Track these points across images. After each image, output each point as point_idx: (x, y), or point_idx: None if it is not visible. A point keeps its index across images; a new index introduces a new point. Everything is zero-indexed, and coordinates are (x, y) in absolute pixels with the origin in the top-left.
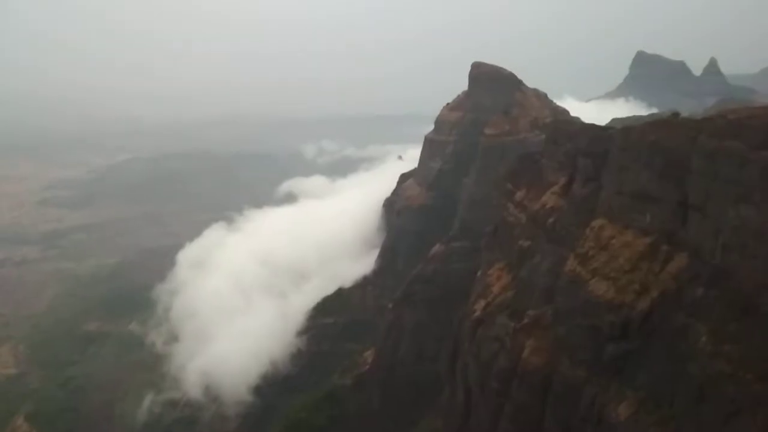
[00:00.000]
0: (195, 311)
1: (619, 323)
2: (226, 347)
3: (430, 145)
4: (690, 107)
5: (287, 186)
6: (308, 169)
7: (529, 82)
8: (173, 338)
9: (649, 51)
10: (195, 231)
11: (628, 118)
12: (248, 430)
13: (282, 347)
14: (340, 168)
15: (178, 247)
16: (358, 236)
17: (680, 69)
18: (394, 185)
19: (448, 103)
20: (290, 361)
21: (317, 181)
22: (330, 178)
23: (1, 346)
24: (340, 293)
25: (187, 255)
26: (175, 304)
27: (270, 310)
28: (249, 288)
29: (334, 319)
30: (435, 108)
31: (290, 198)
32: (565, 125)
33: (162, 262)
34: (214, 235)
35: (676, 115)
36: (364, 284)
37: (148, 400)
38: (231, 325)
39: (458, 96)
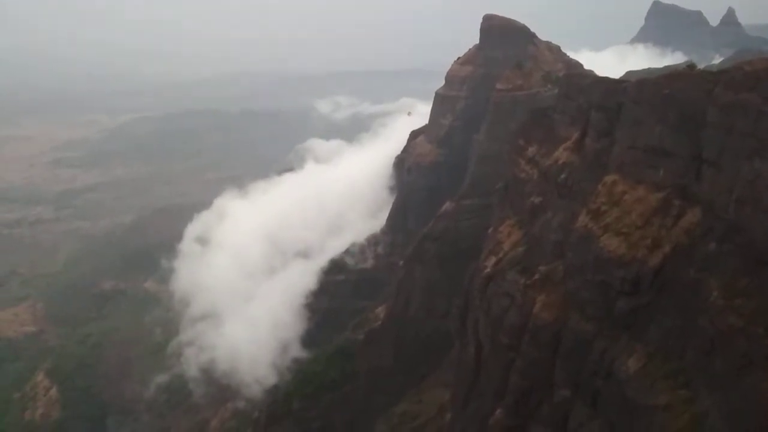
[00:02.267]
0: (204, 289)
1: (630, 279)
2: (238, 328)
3: (440, 101)
4: (706, 58)
5: (300, 148)
6: (320, 126)
7: (543, 32)
8: (181, 320)
9: (665, 0)
10: (205, 190)
11: (642, 70)
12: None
13: (292, 321)
14: (354, 125)
15: (190, 206)
16: (370, 197)
17: (697, 19)
18: (405, 142)
19: (458, 58)
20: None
21: (331, 143)
22: (342, 138)
23: (19, 304)
24: (351, 251)
25: (195, 228)
26: (185, 281)
27: (279, 284)
28: (258, 263)
29: (345, 276)
30: (446, 60)
31: (304, 160)
32: (578, 79)
33: (175, 221)
34: (223, 205)
35: (691, 67)
36: (374, 242)
37: (165, 360)
38: (242, 303)
39: (469, 50)
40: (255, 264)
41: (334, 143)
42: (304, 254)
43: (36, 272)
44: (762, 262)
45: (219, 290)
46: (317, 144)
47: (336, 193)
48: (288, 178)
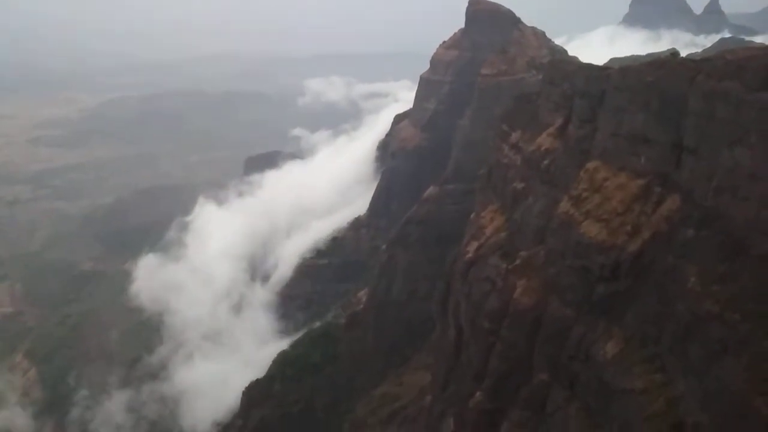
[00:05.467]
0: (176, 310)
1: (610, 265)
2: (208, 363)
3: (425, 85)
4: (689, 46)
5: (286, 138)
6: (307, 109)
7: (529, 18)
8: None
9: None
10: (188, 172)
11: (626, 57)
12: None
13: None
14: (344, 108)
15: (172, 187)
16: (354, 186)
17: (681, 7)
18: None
19: (444, 42)
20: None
21: (317, 135)
22: (330, 121)
23: None
24: (334, 235)
25: (171, 236)
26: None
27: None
28: (232, 279)
29: (328, 260)
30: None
31: (289, 152)
32: (562, 65)
33: (156, 203)
34: (203, 211)
35: (675, 55)
36: (357, 226)
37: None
38: (215, 331)
39: (454, 34)
40: (227, 283)
41: (320, 135)
42: (269, 275)
43: (14, 252)
44: (739, 249)
45: (189, 314)
46: (303, 133)
47: (320, 187)
48: (270, 176)
